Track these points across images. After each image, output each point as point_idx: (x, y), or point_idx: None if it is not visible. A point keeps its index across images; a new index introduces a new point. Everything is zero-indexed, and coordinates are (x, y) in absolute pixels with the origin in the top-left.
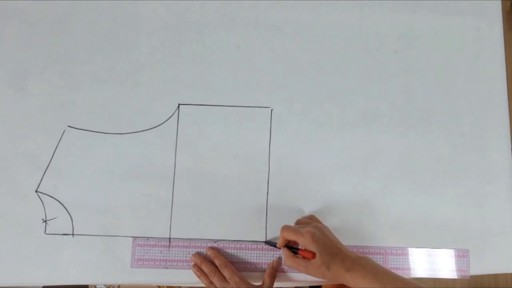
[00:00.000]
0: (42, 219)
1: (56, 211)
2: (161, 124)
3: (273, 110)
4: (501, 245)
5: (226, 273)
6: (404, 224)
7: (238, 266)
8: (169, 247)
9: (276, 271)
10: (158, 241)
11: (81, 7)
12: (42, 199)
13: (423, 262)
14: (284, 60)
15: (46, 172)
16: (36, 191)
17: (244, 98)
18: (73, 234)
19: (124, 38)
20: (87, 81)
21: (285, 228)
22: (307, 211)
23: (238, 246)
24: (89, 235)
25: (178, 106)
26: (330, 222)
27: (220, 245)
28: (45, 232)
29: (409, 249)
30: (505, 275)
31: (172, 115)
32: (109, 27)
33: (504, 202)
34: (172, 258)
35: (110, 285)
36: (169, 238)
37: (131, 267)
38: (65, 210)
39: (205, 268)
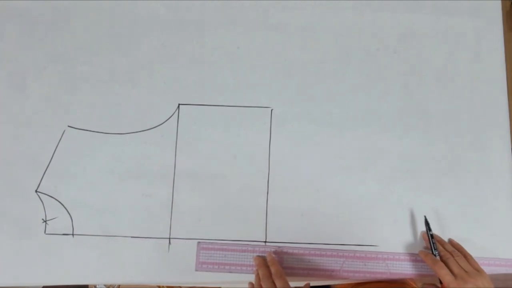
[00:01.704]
0: (42, 219)
1: (56, 211)
2: (161, 124)
3: (273, 110)
4: (501, 245)
5: (278, 283)
6: (404, 224)
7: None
8: (233, 251)
9: None
10: (221, 245)
11: (81, 7)
12: (42, 199)
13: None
14: (284, 60)
15: (46, 172)
16: (36, 191)
17: (244, 98)
18: (73, 234)
19: (124, 38)
20: (87, 81)
21: (441, 269)
22: (307, 211)
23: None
24: (89, 235)
25: (178, 106)
26: (330, 222)
27: (280, 249)
28: (45, 232)
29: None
30: (505, 275)
31: (172, 115)
32: (109, 27)
33: (504, 202)
34: (234, 262)
35: (110, 285)
36: (169, 239)
37: (196, 270)
38: (65, 210)
39: (260, 271)
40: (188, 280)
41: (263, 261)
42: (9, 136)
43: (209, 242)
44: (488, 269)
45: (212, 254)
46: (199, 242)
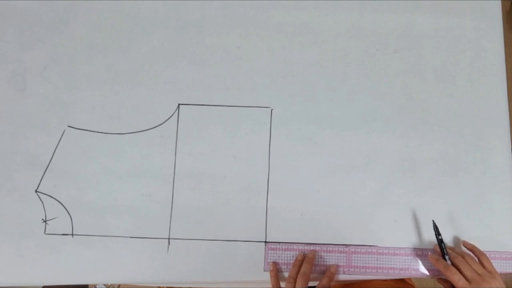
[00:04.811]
0: (42, 219)
1: (56, 211)
2: (161, 124)
3: (273, 110)
4: (501, 245)
5: (298, 283)
6: (404, 224)
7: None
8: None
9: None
10: (288, 245)
11: (81, 7)
12: (42, 199)
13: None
14: (284, 60)
15: (46, 172)
16: (36, 191)
17: (244, 98)
18: (72, 234)
19: (124, 38)
20: (87, 81)
21: (454, 275)
22: (307, 211)
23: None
24: (88, 235)
25: (178, 106)
26: (330, 222)
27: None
28: (45, 232)
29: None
30: (505, 274)
31: (172, 115)
32: (109, 27)
33: (504, 202)
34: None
35: (110, 285)
36: (168, 239)
37: (264, 270)
38: (65, 210)
39: (290, 270)
40: (256, 279)
41: (299, 261)
42: (9, 136)
43: (277, 243)
44: None
45: (280, 254)
46: (266, 243)
